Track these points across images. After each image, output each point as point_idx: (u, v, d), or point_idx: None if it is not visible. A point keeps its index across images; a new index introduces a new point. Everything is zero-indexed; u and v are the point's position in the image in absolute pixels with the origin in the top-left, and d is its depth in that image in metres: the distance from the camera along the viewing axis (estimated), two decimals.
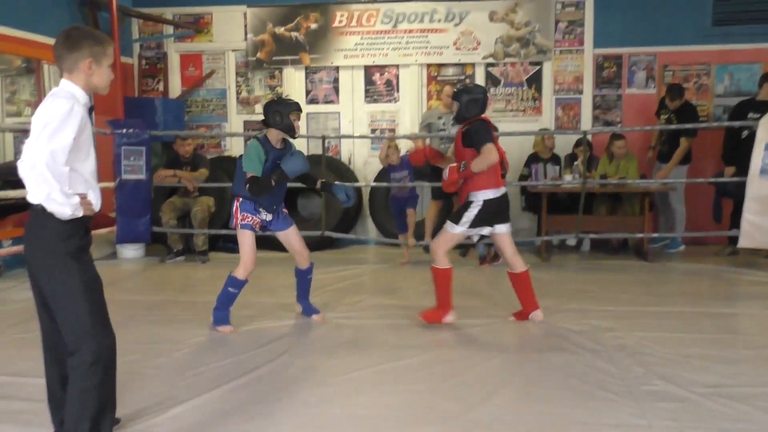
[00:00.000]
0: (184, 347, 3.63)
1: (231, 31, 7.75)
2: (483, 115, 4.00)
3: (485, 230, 4.00)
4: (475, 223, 3.90)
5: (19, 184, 5.92)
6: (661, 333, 3.80)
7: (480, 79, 7.48)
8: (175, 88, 7.94)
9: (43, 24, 6.37)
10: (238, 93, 7.87)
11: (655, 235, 6.52)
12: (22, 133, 7.63)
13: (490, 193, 3.89)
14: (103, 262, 6.25)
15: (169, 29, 7.88)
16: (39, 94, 7.00)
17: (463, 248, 6.57)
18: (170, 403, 2.78)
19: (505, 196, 4.00)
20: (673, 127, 6.37)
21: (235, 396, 2.90)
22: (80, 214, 2.16)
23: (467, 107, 3.94)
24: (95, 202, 2.26)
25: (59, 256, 2.16)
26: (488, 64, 7.47)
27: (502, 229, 4.03)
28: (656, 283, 5.32)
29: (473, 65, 7.49)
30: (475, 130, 3.86)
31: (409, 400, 2.85)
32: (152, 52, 8.00)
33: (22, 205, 6.20)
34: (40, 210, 2.14)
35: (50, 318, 2.26)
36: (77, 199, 2.14)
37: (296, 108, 3.87)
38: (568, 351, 3.49)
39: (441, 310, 4.04)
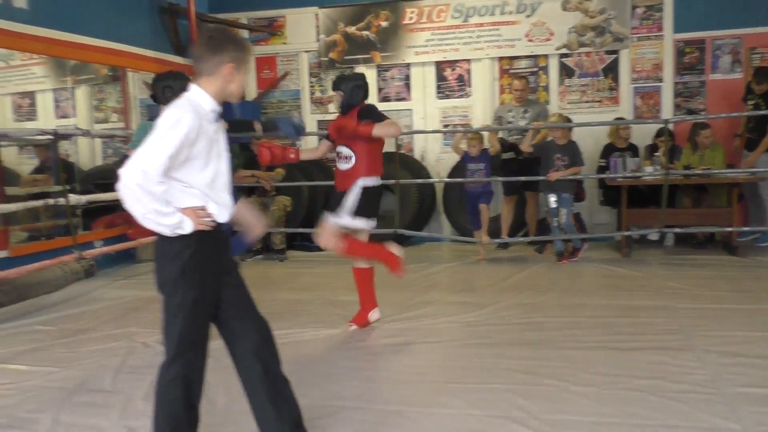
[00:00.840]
0: None
1: (304, 33, 7.88)
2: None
3: (365, 223, 3.83)
4: (360, 211, 3.76)
5: (109, 187, 6.18)
6: (753, 332, 3.62)
7: (554, 70, 7.32)
8: (252, 91, 8.14)
9: (126, 33, 6.67)
10: (312, 93, 8.00)
11: (745, 228, 6.20)
12: (110, 138, 8.03)
13: (371, 181, 3.80)
14: None
15: (245, 33, 8.09)
16: (125, 102, 7.34)
17: (540, 244, 6.45)
18: None
19: (381, 189, 3.93)
20: (762, 112, 6.04)
21: (314, 393, 2.96)
22: (186, 230, 2.06)
23: (352, 94, 3.81)
24: (220, 213, 2.15)
25: (167, 270, 2.10)
26: (562, 55, 7.30)
27: (371, 224, 3.89)
28: (747, 280, 5.06)
29: (546, 56, 7.33)
30: (371, 110, 3.79)
31: (487, 399, 2.83)
32: None
33: (113, 206, 6.52)
34: None
35: None
36: (177, 217, 2.03)
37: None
38: (655, 350, 3.37)
39: (365, 311, 3.99)
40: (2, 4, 5.21)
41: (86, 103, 8.62)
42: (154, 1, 7.22)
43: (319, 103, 8.00)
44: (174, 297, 2.10)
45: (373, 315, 4.00)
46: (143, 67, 7.25)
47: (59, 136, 4.94)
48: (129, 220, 6.54)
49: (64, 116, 8.66)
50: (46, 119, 8.46)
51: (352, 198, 3.76)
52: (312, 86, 7.99)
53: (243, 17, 8.00)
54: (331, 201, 3.94)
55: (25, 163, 7.92)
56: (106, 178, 7.32)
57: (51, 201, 4.85)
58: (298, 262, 6.35)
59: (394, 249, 3.88)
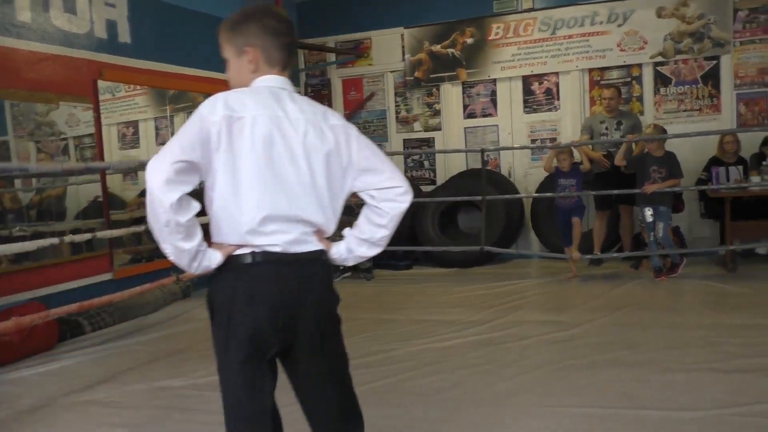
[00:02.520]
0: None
1: (389, 54, 7.97)
2: None
3: None
4: None
5: (204, 211, 6.44)
6: None
7: (648, 80, 7.02)
8: (339, 113, 8.30)
9: (220, 63, 6.96)
10: (397, 112, 8.05)
11: None
12: None
13: None
14: None
15: (332, 56, 8.27)
16: None
17: (635, 260, 6.17)
18: None
19: None
20: None
21: (400, 414, 2.92)
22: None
23: None
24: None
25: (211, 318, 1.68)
26: (657, 63, 6.99)
27: None
28: None
29: (640, 66, 7.05)
30: None
31: (579, 426, 2.70)
32: (317, 79, 8.44)
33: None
34: None
35: None
36: (209, 259, 1.58)
37: None
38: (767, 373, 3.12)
39: None
40: (107, 39, 5.57)
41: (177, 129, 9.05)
42: None
43: (404, 122, 8.04)
44: (216, 354, 1.67)
45: None
46: None
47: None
48: None
49: (164, 143, 9.12)
50: (148, 146, 8.96)
51: None
52: (397, 105, 8.04)
53: (330, 41, 8.19)
54: None
55: (129, 189, 8.41)
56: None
57: (144, 228, 5.09)
58: (384, 281, 6.36)
59: None
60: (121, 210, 7.58)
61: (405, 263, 6.98)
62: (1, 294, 4.46)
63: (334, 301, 1.71)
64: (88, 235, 4.44)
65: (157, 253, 6.60)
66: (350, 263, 1.79)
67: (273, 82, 1.69)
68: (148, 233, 5.21)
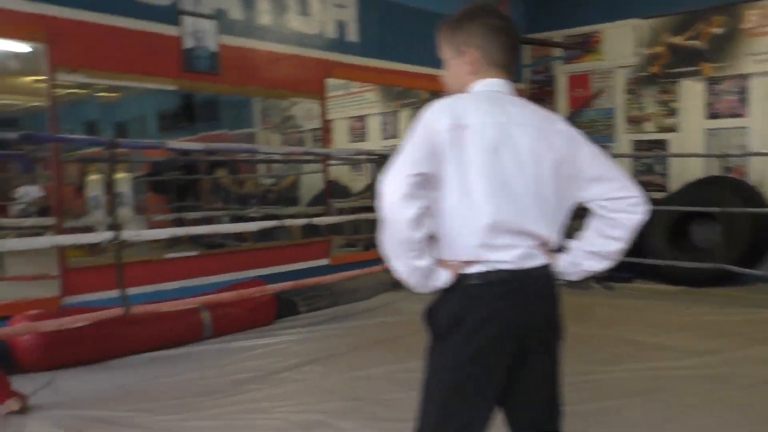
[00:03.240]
0: None
1: (621, 48, 7.39)
2: None
3: None
4: None
5: None
6: None
7: None
8: (563, 110, 7.92)
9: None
10: (627, 111, 7.45)
11: None
12: None
13: None
14: None
15: (558, 52, 7.91)
16: None
17: None
18: None
19: None
20: None
21: None
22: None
23: None
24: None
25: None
26: None
27: None
28: None
29: None
30: None
31: None
32: (541, 75, 8.14)
33: None
34: None
35: None
36: (438, 278, 1.51)
37: None
38: None
39: None
40: (337, 39, 5.90)
41: (408, 125, 9.35)
42: None
43: (634, 122, 7.41)
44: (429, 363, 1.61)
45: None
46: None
47: (378, 157, 5.39)
48: None
49: (390, 137, 9.52)
50: (375, 140, 9.41)
51: None
52: (628, 103, 7.44)
53: (558, 36, 7.83)
54: None
55: (356, 179, 8.90)
56: None
57: (363, 216, 5.30)
58: (599, 292, 5.92)
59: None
60: (346, 198, 8.05)
61: (626, 275, 6.42)
62: (239, 269, 4.97)
63: (561, 317, 1.64)
64: (304, 221, 4.73)
65: (373, 243, 6.89)
66: (574, 278, 1.68)
67: (493, 86, 1.61)
68: (367, 222, 5.42)
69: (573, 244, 1.66)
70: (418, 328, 1.60)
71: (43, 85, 4.10)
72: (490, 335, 1.49)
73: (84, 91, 4.50)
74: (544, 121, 1.58)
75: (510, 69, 1.64)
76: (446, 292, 1.52)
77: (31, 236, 4.18)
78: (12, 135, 3.27)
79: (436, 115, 1.49)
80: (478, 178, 1.47)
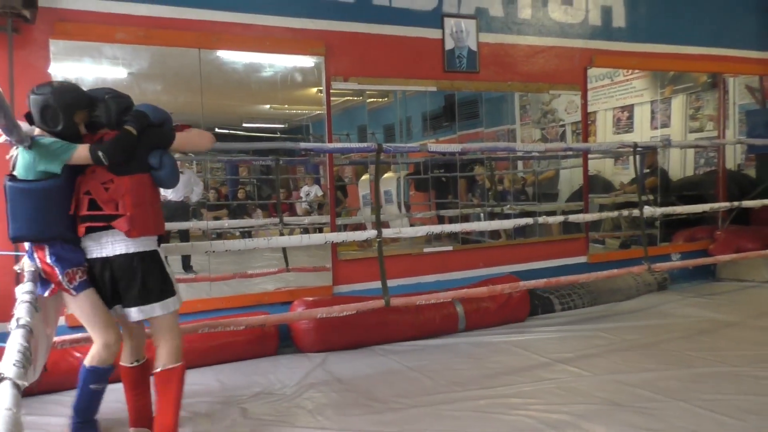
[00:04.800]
0: None
1: None
2: None
3: None
4: None
5: (692, 200, 5.98)
6: None
7: None
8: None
9: (726, 37, 6.26)
10: None
11: None
12: (703, 149, 7.71)
13: None
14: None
15: None
16: (720, 109, 6.92)
17: None
18: None
19: None
20: None
21: None
22: None
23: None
24: None
25: None
26: None
27: None
28: None
29: None
30: None
31: None
32: None
33: (696, 219, 6.28)
34: None
35: None
36: None
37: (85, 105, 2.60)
38: None
39: None
40: (601, 26, 5.62)
41: (682, 112, 8.53)
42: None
43: None
44: None
45: None
46: (745, 71, 6.70)
47: (640, 148, 5.01)
48: (711, 234, 6.22)
49: (662, 126, 8.78)
50: (642, 131, 8.75)
51: None
52: None
53: None
54: None
55: (619, 174, 8.40)
56: (691, 189, 7.09)
57: (625, 212, 4.98)
58: None
59: None
60: (608, 194, 7.64)
61: None
62: (493, 264, 5.06)
63: None
64: (560, 218, 4.62)
65: (633, 241, 6.44)
66: None
67: None
68: (630, 219, 5.11)
69: None
70: (685, 333, 1.48)
71: (322, 95, 4.61)
72: None
73: (357, 98, 4.94)
74: None
75: None
76: None
77: (312, 232, 4.73)
78: (293, 146, 3.78)
79: None
80: None
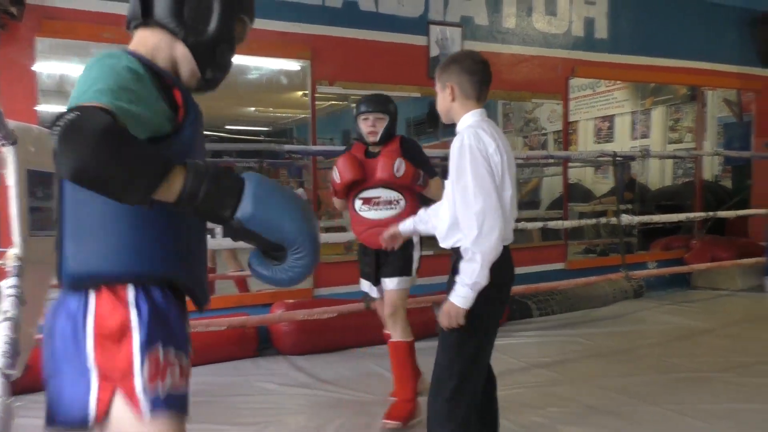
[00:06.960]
0: None
1: None
2: None
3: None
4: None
5: (668, 209, 6.08)
6: None
7: None
8: None
9: (706, 51, 6.38)
10: None
11: None
12: (680, 159, 7.85)
13: None
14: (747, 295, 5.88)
15: None
16: (698, 121, 7.06)
17: None
18: None
19: None
20: None
21: None
22: None
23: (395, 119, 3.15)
24: None
25: None
26: None
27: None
28: None
29: None
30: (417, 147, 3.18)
31: None
32: None
33: (672, 228, 6.39)
34: None
35: None
36: None
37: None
38: None
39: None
40: (583, 37, 5.72)
41: (661, 124, 8.70)
42: (742, 14, 6.66)
43: None
44: None
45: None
46: (724, 85, 6.84)
47: (619, 157, 5.12)
48: (687, 243, 6.34)
49: (642, 136, 8.94)
50: (622, 141, 8.91)
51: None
52: None
53: None
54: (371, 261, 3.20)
55: (599, 182, 8.53)
56: (669, 199, 7.23)
57: (603, 220, 5.08)
58: None
59: None
60: (587, 202, 7.76)
61: None
62: None
63: None
64: (539, 224, 4.70)
65: (612, 248, 6.55)
66: None
67: None
68: (606, 227, 5.20)
69: None
70: (660, 339, 1.54)
71: (307, 98, 4.64)
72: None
73: (341, 102, 4.99)
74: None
75: None
76: None
77: None
78: (278, 148, 3.81)
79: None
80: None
